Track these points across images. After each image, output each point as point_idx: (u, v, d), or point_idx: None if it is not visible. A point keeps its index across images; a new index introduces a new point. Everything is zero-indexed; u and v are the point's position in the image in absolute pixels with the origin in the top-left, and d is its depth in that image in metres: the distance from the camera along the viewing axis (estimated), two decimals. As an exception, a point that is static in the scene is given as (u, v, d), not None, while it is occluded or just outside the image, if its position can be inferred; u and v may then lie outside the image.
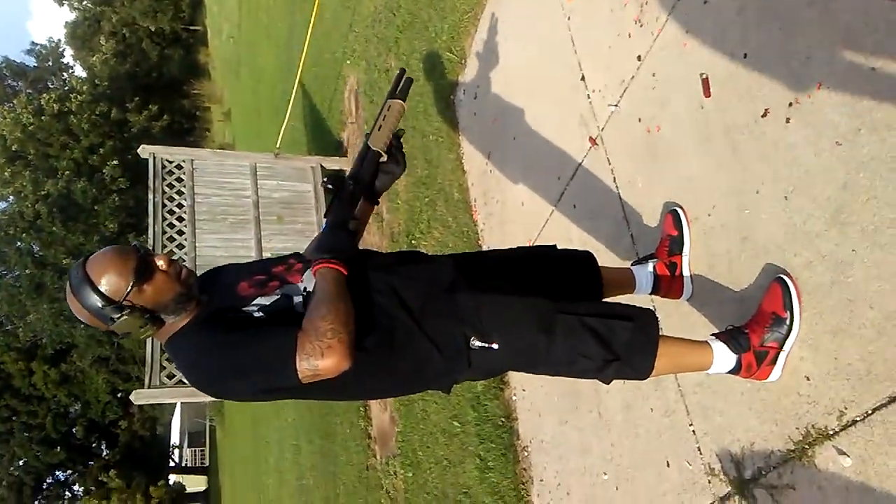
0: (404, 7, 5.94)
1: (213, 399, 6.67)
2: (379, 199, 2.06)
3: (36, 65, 39.49)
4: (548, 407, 3.60)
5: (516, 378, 3.93)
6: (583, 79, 3.30)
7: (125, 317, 1.68)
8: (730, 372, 2.15)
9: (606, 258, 2.93)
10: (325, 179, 1.91)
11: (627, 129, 2.95)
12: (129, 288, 1.67)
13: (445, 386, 2.03)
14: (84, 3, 42.00)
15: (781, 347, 2.09)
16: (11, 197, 29.26)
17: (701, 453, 2.48)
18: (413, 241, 5.44)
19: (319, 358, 1.59)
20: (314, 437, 9.14)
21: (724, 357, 2.11)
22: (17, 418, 30.43)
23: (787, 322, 2.08)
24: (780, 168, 2.16)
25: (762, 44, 2.26)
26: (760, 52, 2.26)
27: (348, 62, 7.93)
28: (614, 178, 3.04)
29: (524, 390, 3.87)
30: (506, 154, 4.16)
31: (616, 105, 3.01)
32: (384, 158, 1.97)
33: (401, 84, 2.02)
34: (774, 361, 2.10)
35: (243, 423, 20.11)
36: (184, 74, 36.55)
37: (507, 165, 4.14)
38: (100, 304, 1.67)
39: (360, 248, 1.99)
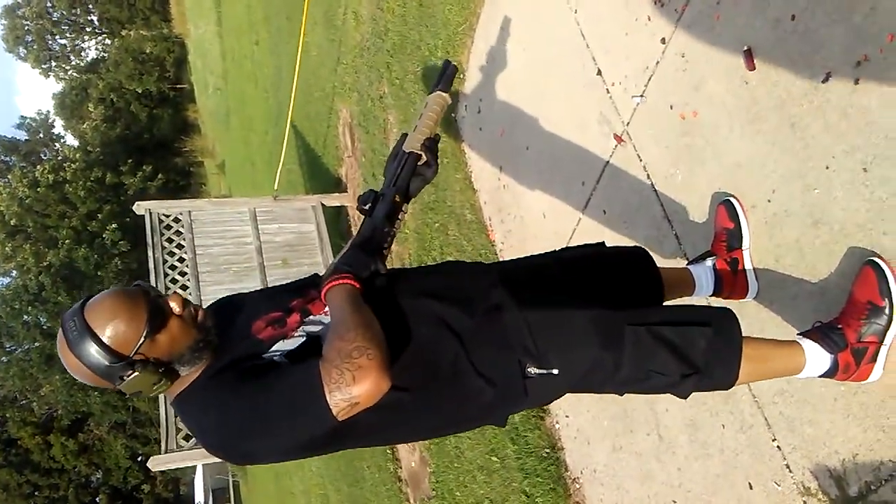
0: (393, 30, 5.73)
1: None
2: (407, 209, 1.76)
3: (27, 138, 39.72)
4: (597, 432, 3.29)
5: (557, 404, 3.63)
6: (599, 73, 3.05)
7: (137, 373, 1.39)
8: (823, 375, 1.86)
9: (650, 263, 2.65)
10: (359, 200, 1.65)
11: (658, 119, 2.69)
12: (142, 339, 1.38)
13: (500, 420, 1.75)
14: (69, 72, 42.40)
15: (882, 341, 1.81)
16: (14, 271, 29.22)
17: (791, 471, 2.18)
18: (427, 271, 5.17)
19: (351, 384, 1.30)
20: (341, 484, 8.79)
21: (817, 358, 1.82)
22: (40, 493, 30.08)
23: (887, 311, 1.80)
24: (852, 137, 1.89)
25: (813, 1, 2.00)
26: (812, 11, 2.00)
27: (339, 96, 7.73)
28: (648, 175, 2.77)
29: (567, 416, 3.57)
30: (519, 166, 3.90)
31: (642, 95, 2.75)
32: (423, 161, 1.71)
33: (444, 75, 1.79)
34: (875, 358, 1.82)
35: (266, 477, 19.69)
36: (174, 132, 36.62)
37: (521, 178, 3.88)
38: (106, 362, 1.37)
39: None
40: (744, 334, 1.74)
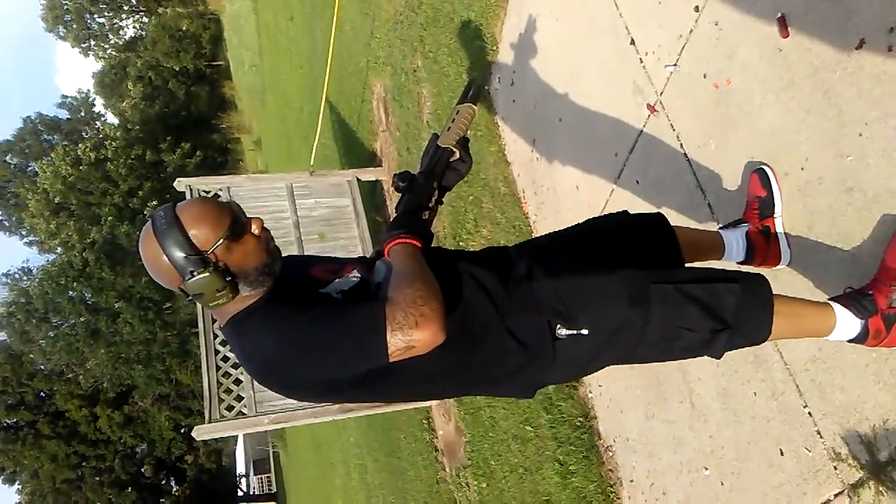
0: (426, 3, 5.73)
1: (273, 426, 6.52)
2: (443, 199, 1.85)
3: (69, 117, 40.45)
4: (630, 401, 3.33)
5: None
6: (632, 42, 3.04)
7: (206, 273, 1.49)
8: (853, 340, 1.88)
9: (683, 232, 2.66)
10: (395, 178, 1.79)
11: (691, 88, 2.68)
12: (219, 241, 1.50)
13: (528, 389, 1.79)
14: (108, 51, 42.95)
15: (914, 307, 1.81)
16: (59, 248, 29.90)
17: (822, 437, 2.20)
18: (461, 243, 5.21)
19: (413, 328, 1.40)
20: (379, 454, 8.96)
21: (847, 322, 1.83)
22: (87, 463, 31.08)
23: (919, 277, 1.80)
24: (886, 104, 1.88)
25: (847, -34, 1.98)
26: (846, -24, 1.99)
27: (373, 70, 7.76)
28: (681, 144, 2.77)
29: (601, 385, 3.61)
30: (552, 138, 3.91)
31: (675, 64, 2.74)
32: (456, 156, 1.81)
33: (470, 91, 1.88)
34: (906, 324, 1.82)
35: (306, 447, 20.09)
36: (212, 109, 37.01)
37: (554, 150, 3.89)
38: (184, 253, 1.48)
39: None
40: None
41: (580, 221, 2.09)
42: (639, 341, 1.70)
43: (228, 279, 1.52)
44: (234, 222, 1.53)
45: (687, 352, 1.77)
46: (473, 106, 1.87)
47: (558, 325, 1.65)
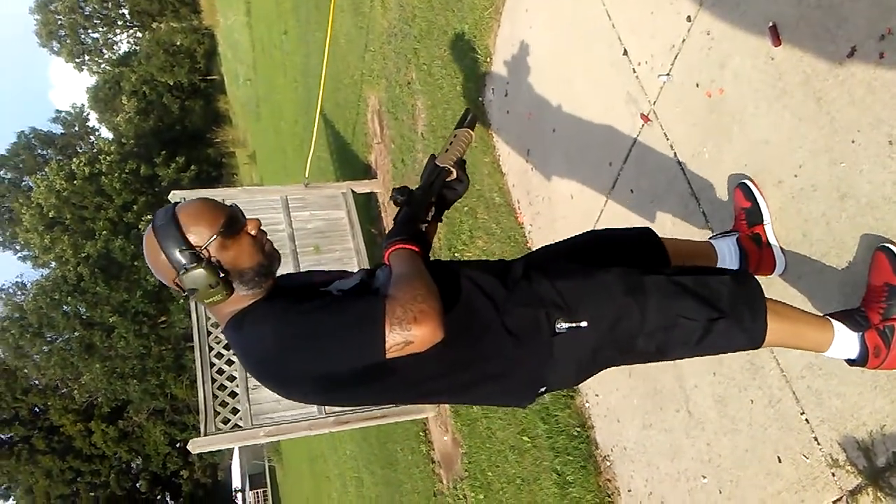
0: (420, 16, 5.76)
1: (268, 439, 6.50)
2: (442, 217, 1.89)
3: (63, 131, 40.45)
4: (627, 411, 3.33)
5: (587, 383, 3.66)
6: (625, 53, 3.06)
7: (199, 268, 1.53)
8: (855, 362, 1.88)
9: (678, 241, 2.67)
10: (394, 192, 1.84)
11: (684, 97, 2.70)
12: (213, 237, 1.55)
13: (526, 390, 1.76)
14: (102, 66, 43.00)
15: (907, 317, 1.82)
16: (53, 263, 29.84)
17: (819, 444, 2.20)
18: (455, 254, 5.22)
19: (412, 323, 1.40)
20: (375, 467, 8.92)
21: (844, 337, 1.83)
22: (82, 479, 30.87)
23: (906, 289, 1.81)
24: (878, 110, 1.89)
25: (837, -25, 2.00)
26: (836, -15, 2.00)
27: (367, 83, 7.78)
28: (675, 154, 2.78)
29: (597, 395, 3.61)
30: (546, 148, 3.92)
31: (668, 74, 2.76)
32: (453, 176, 1.84)
33: (468, 118, 1.93)
34: (903, 338, 1.83)
35: (302, 461, 19.99)
36: (206, 123, 37.04)
37: (549, 160, 3.91)
38: (178, 248, 1.53)
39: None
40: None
41: (568, 237, 2.12)
42: (638, 331, 1.71)
43: (222, 276, 1.55)
44: (230, 220, 1.57)
45: (685, 345, 1.75)
46: (471, 131, 1.92)
47: (558, 319, 1.66)
